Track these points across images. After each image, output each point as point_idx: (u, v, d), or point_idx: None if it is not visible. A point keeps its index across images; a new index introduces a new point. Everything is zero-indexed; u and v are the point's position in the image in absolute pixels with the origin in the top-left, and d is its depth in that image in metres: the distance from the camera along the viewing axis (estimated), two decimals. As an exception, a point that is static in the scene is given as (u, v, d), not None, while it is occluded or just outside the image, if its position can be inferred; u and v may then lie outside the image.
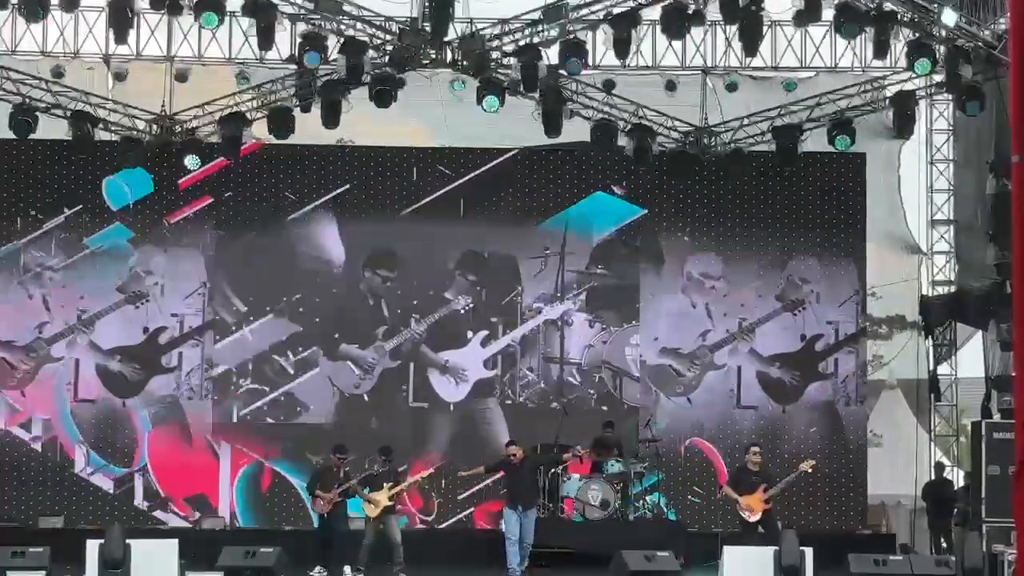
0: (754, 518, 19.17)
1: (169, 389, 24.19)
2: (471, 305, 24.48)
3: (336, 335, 24.41)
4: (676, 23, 20.68)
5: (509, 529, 19.40)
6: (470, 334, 24.55)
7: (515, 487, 19.69)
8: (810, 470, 19.74)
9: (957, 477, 25.02)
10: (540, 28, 21.47)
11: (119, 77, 23.88)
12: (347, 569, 19.39)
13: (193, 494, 24.13)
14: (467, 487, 23.53)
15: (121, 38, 21.32)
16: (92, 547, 17.60)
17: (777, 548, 17.65)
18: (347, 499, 19.98)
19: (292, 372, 24.27)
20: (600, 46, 22.21)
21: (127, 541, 17.71)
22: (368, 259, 24.54)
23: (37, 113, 22.27)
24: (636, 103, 23.39)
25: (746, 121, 23.74)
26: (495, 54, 21.86)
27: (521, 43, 21.56)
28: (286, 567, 18.73)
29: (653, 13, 21.24)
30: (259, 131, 22.98)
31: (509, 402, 24.51)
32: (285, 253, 24.46)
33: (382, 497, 19.42)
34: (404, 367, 24.44)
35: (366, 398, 24.41)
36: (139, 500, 24.10)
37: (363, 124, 23.29)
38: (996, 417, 22.13)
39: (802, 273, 24.74)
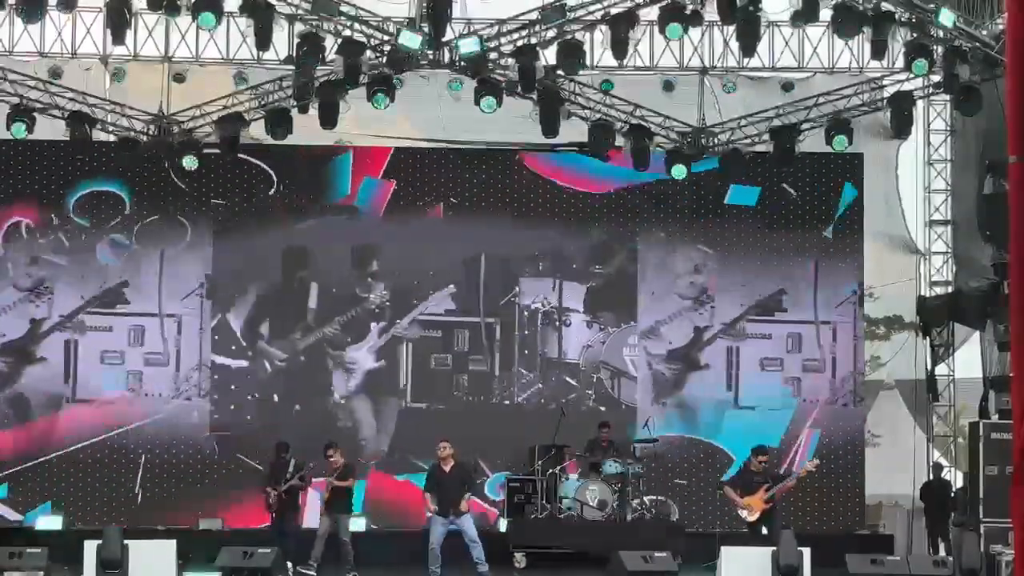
0: (752, 518, 19.22)
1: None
2: (388, 301, 24.39)
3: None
4: (674, 23, 20.61)
5: (434, 537, 18.55)
6: (373, 325, 24.48)
7: (444, 494, 18.76)
8: (813, 469, 19.94)
9: (955, 478, 25.01)
10: (538, 28, 21.44)
11: (116, 77, 23.86)
12: (291, 565, 19.31)
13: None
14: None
15: (119, 38, 21.29)
16: (90, 548, 17.60)
17: (775, 548, 17.69)
18: (295, 494, 20.21)
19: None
20: (598, 46, 22.19)
21: (125, 542, 17.72)
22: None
23: (35, 114, 22.23)
24: (634, 103, 23.37)
25: (744, 122, 23.72)
26: (493, 55, 21.84)
27: (519, 43, 21.54)
28: (283, 568, 18.73)
29: (651, 13, 21.22)
30: (256, 132, 22.94)
31: (507, 403, 24.50)
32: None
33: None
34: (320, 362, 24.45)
35: (276, 398, 24.32)
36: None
37: (360, 123, 23.25)
38: (994, 418, 22.13)
39: (800, 274, 24.72)
